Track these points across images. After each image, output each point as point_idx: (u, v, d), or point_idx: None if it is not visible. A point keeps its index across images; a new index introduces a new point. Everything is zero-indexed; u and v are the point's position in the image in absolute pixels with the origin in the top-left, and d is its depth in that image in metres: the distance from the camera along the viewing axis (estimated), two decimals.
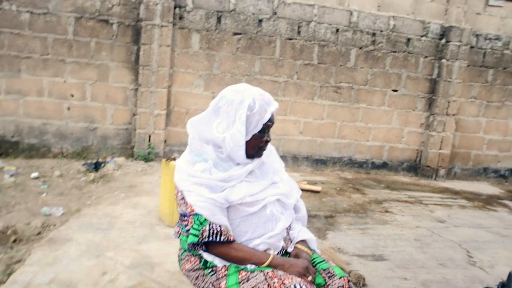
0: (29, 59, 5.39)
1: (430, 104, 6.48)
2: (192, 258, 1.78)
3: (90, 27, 5.44)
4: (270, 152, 1.91)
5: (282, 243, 1.78)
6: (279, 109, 6.05)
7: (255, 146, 1.69)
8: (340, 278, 1.72)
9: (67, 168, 5.19)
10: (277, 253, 1.74)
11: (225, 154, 1.69)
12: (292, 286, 1.54)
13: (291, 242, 1.83)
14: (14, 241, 3.08)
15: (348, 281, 1.74)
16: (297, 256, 1.74)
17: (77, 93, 5.60)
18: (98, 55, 5.55)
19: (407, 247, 3.61)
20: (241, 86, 1.75)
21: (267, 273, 1.62)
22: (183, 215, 1.69)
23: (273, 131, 5.82)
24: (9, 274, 2.57)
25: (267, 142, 1.73)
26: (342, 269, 2.96)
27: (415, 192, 5.72)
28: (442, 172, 6.59)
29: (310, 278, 1.62)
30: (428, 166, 6.53)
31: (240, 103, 1.65)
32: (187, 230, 1.65)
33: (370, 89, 6.27)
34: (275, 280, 1.58)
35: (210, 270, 1.72)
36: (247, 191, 1.69)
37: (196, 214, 1.63)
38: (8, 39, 5.30)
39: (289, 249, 1.79)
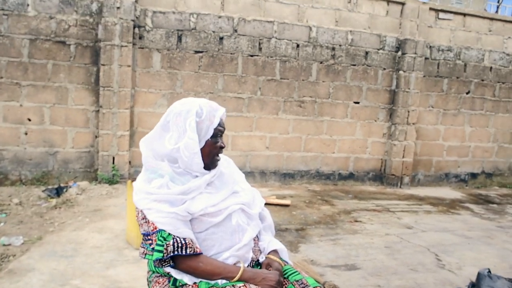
0: None
1: (391, 114, 6.68)
2: (161, 279, 1.71)
3: (46, 49, 5.28)
4: (228, 163, 1.89)
5: (251, 254, 1.73)
6: (245, 125, 6.11)
7: (209, 154, 1.66)
8: None
9: (26, 195, 4.95)
10: (247, 265, 1.70)
11: (182, 167, 1.65)
12: None
13: (261, 252, 1.80)
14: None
15: None
16: (268, 266, 1.70)
17: (35, 117, 5.39)
18: (56, 77, 5.38)
19: (378, 255, 3.64)
20: (187, 99, 1.73)
21: (236, 286, 1.58)
22: (146, 235, 1.62)
23: (239, 148, 5.87)
24: None
25: (221, 148, 1.69)
26: (316, 280, 2.97)
27: (382, 200, 5.82)
28: (406, 179, 6.76)
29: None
30: (393, 175, 6.69)
31: (188, 112, 1.63)
32: (152, 249, 1.59)
33: (333, 102, 6.40)
34: None
35: None
36: (208, 202, 1.65)
37: (159, 231, 1.57)
38: None
39: (260, 259, 1.76)
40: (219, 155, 1.72)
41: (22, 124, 5.38)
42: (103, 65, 5.38)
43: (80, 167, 5.67)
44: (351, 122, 6.50)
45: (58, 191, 5.00)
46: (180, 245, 1.56)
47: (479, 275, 2.13)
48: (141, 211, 1.62)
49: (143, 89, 5.70)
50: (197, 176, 1.68)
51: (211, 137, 1.64)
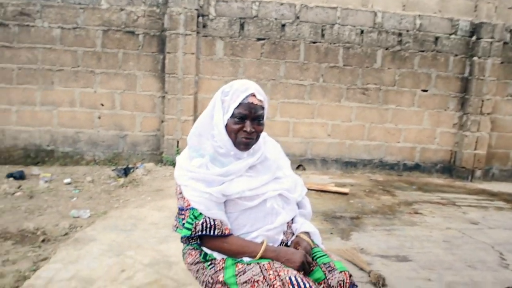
0: (61, 71, 5.65)
1: (463, 103, 6.25)
2: (193, 252, 1.79)
3: (117, 39, 5.65)
4: (275, 147, 1.90)
5: (281, 237, 1.75)
6: (306, 112, 6.07)
7: (231, 133, 1.65)
8: (341, 272, 1.67)
9: (98, 174, 5.38)
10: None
11: (221, 145, 1.69)
12: (287, 278, 1.51)
13: (293, 235, 1.80)
14: (43, 241, 3.21)
15: (350, 276, 1.69)
16: (297, 244, 1.71)
17: (107, 102, 5.81)
18: (126, 65, 5.74)
19: (434, 249, 3.46)
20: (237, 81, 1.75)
21: (263, 265, 1.60)
22: (180, 209, 1.69)
23: (300, 134, 5.87)
24: (34, 271, 2.68)
25: (247, 132, 1.65)
26: (362, 269, 2.91)
27: (448, 193, 5.50)
28: (478, 173, 6.31)
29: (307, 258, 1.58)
30: (463, 167, 6.28)
31: (221, 91, 1.68)
32: (183, 224, 1.66)
33: (399, 89, 6.13)
34: (271, 272, 1.56)
35: (209, 263, 1.72)
36: (247, 185, 1.68)
37: (192, 208, 1.63)
38: (41, 54, 5.59)
39: (289, 243, 1.77)
40: (254, 138, 1.68)
41: (96, 109, 5.82)
42: (168, 53, 5.63)
43: (147, 149, 6.02)
44: (418, 110, 6.18)
45: (126, 171, 5.36)
46: (209, 226, 1.62)
47: None
48: (179, 186, 1.70)
49: (206, 76, 5.88)
50: (239, 159, 1.71)
51: (232, 117, 1.64)
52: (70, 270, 2.69)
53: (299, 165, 6.18)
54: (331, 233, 3.69)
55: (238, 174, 1.69)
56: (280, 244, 1.74)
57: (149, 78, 5.82)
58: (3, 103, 5.65)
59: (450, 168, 6.44)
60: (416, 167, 6.37)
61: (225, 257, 1.68)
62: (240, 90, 1.65)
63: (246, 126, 1.65)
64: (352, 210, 4.45)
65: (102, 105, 5.82)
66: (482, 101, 6.10)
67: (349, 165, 6.27)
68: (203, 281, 1.73)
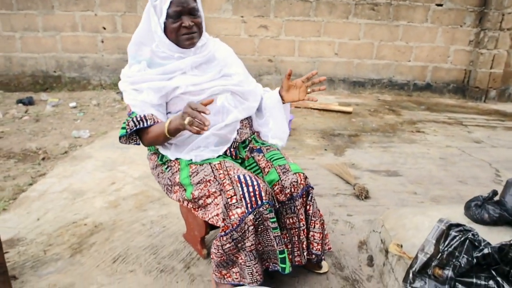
0: None
1: (481, 18, 5.84)
2: (153, 157, 1.84)
3: None
4: (226, 50, 1.86)
5: (234, 135, 1.76)
6: (312, 30, 5.83)
7: (172, 33, 1.62)
8: (295, 173, 1.69)
9: (104, 98, 5.46)
10: (230, 146, 1.75)
11: (164, 51, 1.66)
12: (236, 176, 1.55)
13: (249, 135, 1.83)
14: (43, 159, 3.35)
15: (305, 178, 1.72)
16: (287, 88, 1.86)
17: (108, 25, 5.71)
18: None
19: (427, 165, 3.45)
20: None
21: (214, 165, 1.64)
22: (128, 114, 1.71)
23: (306, 54, 5.70)
24: (31, 185, 2.84)
25: (186, 27, 1.61)
26: (348, 182, 2.95)
27: (457, 114, 5.35)
28: (493, 93, 6.07)
29: (186, 121, 1.37)
30: (477, 87, 6.03)
31: None
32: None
33: (411, 4, 5.75)
34: (221, 171, 1.60)
35: (166, 166, 1.77)
36: (191, 81, 1.66)
37: (132, 112, 1.65)
38: None
39: (247, 142, 1.81)
40: (197, 31, 1.65)
41: (98, 32, 5.74)
42: None
43: None
44: (431, 27, 5.83)
45: None
46: (139, 119, 1.61)
47: (507, 183, 1.93)
48: (122, 92, 1.71)
49: None
50: (183, 59, 1.68)
51: (167, 18, 1.59)
52: (64, 183, 2.83)
53: None
54: (325, 149, 3.71)
55: (180, 72, 1.67)
56: (233, 143, 1.76)
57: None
58: (6, 30, 5.63)
59: (463, 88, 6.20)
60: (427, 87, 6.16)
61: (178, 158, 1.72)
62: None
63: (184, 21, 1.62)
64: (352, 128, 4.42)
65: (104, 28, 5.73)
66: (503, 15, 5.68)
67: (356, 85, 6.12)
68: (164, 185, 1.79)
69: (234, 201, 1.51)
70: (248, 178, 1.53)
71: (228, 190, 1.53)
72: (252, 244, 1.52)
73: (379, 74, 6.07)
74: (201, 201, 1.63)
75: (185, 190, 1.68)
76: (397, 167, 3.37)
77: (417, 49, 5.94)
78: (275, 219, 1.53)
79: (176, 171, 1.71)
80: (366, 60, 5.99)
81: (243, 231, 1.51)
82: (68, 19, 5.65)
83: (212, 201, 1.60)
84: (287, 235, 1.73)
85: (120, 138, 1.67)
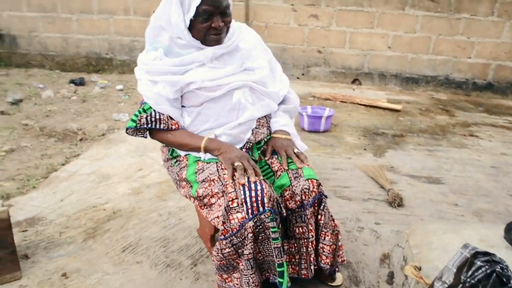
0: None
1: None
2: (165, 149, 1.78)
3: None
4: (252, 38, 1.73)
5: (248, 136, 1.64)
6: (365, 21, 5.54)
7: (199, 32, 1.52)
8: (307, 179, 1.56)
9: None
10: (241, 146, 1.63)
11: (182, 39, 1.57)
12: (240, 180, 1.44)
13: (266, 135, 1.70)
14: (81, 139, 3.44)
15: (319, 185, 1.58)
16: (271, 147, 1.67)
17: None
18: None
19: (476, 174, 3.15)
20: None
21: (220, 164, 1.54)
22: (141, 104, 1.65)
23: (358, 46, 5.46)
24: (63, 165, 2.91)
25: (216, 28, 1.51)
26: (382, 186, 2.76)
27: None
28: None
29: (236, 163, 1.47)
30: None
31: None
32: None
33: None
34: (226, 172, 1.50)
35: (175, 160, 1.70)
36: (207, 75, 1.56)
37: (145, 103, 1.59)
38: None
39: (262, 143, 1.70)
40: (221, 34, 1.55)
41: (149, 17, 5.78)
42: None
43: None
44: (497, 21, 5.32)
45: None
46: (153, 119, 1.57)
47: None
48: (138, 80, 1.65)
49: None
50: (201, 49, 1.59)
51: (196, 16, 1.48)
52: (94, 166, 2.88)
53: (354, 79, 5.82)
54: (365, 149, 3.51)
55: (198, 63, 1.57)
56: (247, 144, 1.65)
57: None
58: (64, 12, 5.86)
59: None
60: (488, 87, 5.67)
61: (187, 154, 1.65)
62: None
63: (215, 22, 1.51)
64: (398, 128, 4.15)
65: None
66: None
67: (409, 81, 5.76)
68: (173, 179, 1.74)
69: (235, 204, 1.41)
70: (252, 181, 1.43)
71: (230, 193, 1.43)
72: (250, 253, 1.42)
73: (435, 71, 5.66)
74: (205, 200, 1.55)
75: (191, 186, 1.60)
76: (441, 173, 3.10)
77: (480, 45, 5.45)
78: (276, 229, 1.41)
79: (184, 167, 1.64)
80: (422, 55, 5.60)
81: (242, 237, 1.41)
82: (121, 2, 5.76)
83: (215, 202, 1.51)
84: (295, 245, 1.61)
85: (127, 129, 1.62)
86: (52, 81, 5.45)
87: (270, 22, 5.67)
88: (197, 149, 1.57)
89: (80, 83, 5.34)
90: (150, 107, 1.57)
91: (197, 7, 1.46)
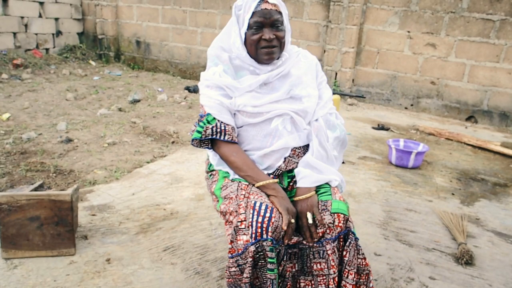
0: None
1: None
2: (207, 161, 1.86)
3: None
4: (307, 63, 1.71)
5: (279, 163, 1.62)
6: (489, 54, 5.02)
7: (251, 47, 1.57)
8: (333, 213, 1.49)
9: None
10: (271, 173, 1.62)
11: (237, 58, 1.64)
12: (252, 202, 1.45)
13: (297, 166, 1.66)
14: (172, 142, 3.77)
15: (346, 221, 1.49)
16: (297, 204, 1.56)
17: None
18: None
19: None
20: None
21: (241, 184, 1.56)
22: (200, 116, 1.72)
23: (477, 81, 5.07)
24: (148, 163, 3.23)
25: (266, 40, 1.53)
26: (455, 238, 2.47)
27: None
28: None
29: (293, 220, 1.45)
30: None
31: (234, 6, 1.60)
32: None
33: None
34: (244, 192, 1.52)
35: (210, 173, 1.77)
36: (251, 101, 1.59)
37: (208, 114, 1.62)
38: None
39: (294, 173, 1.65)
40: (278, 46, 1.58)
41: None
42: None
43: None
44: None
45: None
46: (219, 130, 1.60)
47: None
48: (200, 94, 1.76)
49: (375, 5, 5.40)
50: (257, 75, 1.63)
51: (249, 29, 1.55)
52: (172, 168, 3.13)
53: (470, 117, 5.28)
54: (453, 194, 3.17)
55: (248, 88, 1.60)
56: (276, 171, 1.64)
57: (316, 6, 5.70)
58: (191, 25, 6.47)
59: None
60: None
61: (221, 168, 1.70)
62: (251, 0, 1.56)
63: (265, 33, 1.55)
64: (504, 177, 3.65)
65: None
66: None
67: None
68: (209, 191, 1.81)
69: (243, 226, 1.43)
70: (263, 207, 1.42)
71: (241, 214, 1.46)
72: (247, 277, 1.41)
73: None
74: (227, 216, 1.59)
75: (218, 201, 1.66)
76: None
77: None
78: (274, 260, 1.38)
79: (214, 181, 1.71)
80: None
81: (246, 260, 1.42)
82: None
83: (232, 219, 1.55)
84: (312, 282, 1.55)
85: (192, 140, 1.67)
86: (170, 86, 6.04)
87: (382, 48, 5.48)
88: (252, 181, 1.56)
89: (194, 90, 5.81)
90: (214, 119, 1.61)
91: (249, 20, 1.54)
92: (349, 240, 1.51)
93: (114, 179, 2.90)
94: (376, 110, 5.58)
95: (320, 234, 1.50)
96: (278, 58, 1.65)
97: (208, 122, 1.62)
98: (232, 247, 1.46)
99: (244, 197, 1.51)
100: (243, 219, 1.44)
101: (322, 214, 1.50)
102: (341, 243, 1.52)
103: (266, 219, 1.39)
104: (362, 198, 2.92)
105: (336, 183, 1.65)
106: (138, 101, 5.02)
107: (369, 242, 2.35)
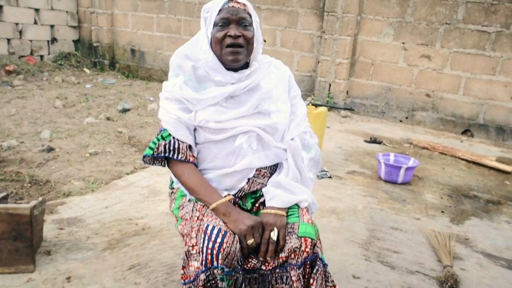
0: None
1: None
2: (170, 178, 1.76)
3: None
4: (279, 75, 1.60)
5: (242, 184, 1.51)
6: (485, 66, 4.93)
7: (216, 45, 1.45)
8: (300, 237, 1.38)
9: None
10: (235, 193, 1.51)
11: (202, 68, 1.53)
12: (205, 225, 1.35)
13: (261, 188, 1.55)
14: None
15: (313, 246, 1.38)
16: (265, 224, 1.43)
17: (269, 39, 5.94)
18: (289, 1, 5.68)
19: None
20: None
21: (196, 204, 1.46)
22: (160, 130, 1.62)
23: (473, 93, 4.98)
24: (127, 174, 3.13)
25: (231, 36, 1.42)
26: (440, 260, 2.35)
27: None
28: None
29: (250, 241, 1.35)
30: None
31: (203, 9, 1.50)
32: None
33: None
34: (198, 214, 1.42)
35: (171, 191, 1.68)
36: (215, 116, 1.48)
37: (164, 129, 1.53)
38: None
39: (258, 195, 1.55)
40: (244, 46, 1.45)
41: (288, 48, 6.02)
42: None
43: (302, 90, 5.96)
44: None
45: None
46: (172, 148, 1.49)
47: None
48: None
49: (369, 16, 5.33)
50: (223, 86, 1.50)
51: (215, 26, 1.44)
52: (151, 180, 3.04)
53: (466, 130, 5.17)
54: (442, 211, 3.06)
55: (212, 102, 1.49)
56: (238, 192, 1.53)
57: (310, 16, 5.64)
58: (186, 34, 6.42)
59: None
60: None
61: (179, 186, 1.60)
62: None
63: (230, 30, 1.43)
64: (498, 193, 3.53)
65: (265, 41, 5.98)
66: None
67: None
68: (170, 209, 1.71)
69: (194, 251, 1.33)
70: (215, 231, 1.31)
71: (192, 238, 1.36)
72: None
73: None
74: (184, 238, 1.49)
75: (177, 221, 1.56)
76: None
77: None
78: None
79: (173, 199, 1.61)
80: None
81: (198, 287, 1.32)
82: None
83: (188, 241, 1.44)
84: None
85: (144, 157, 1.57)
86: None
87: (377, 60, 5.40)
88: (205, 203, 1.46)
89: None
90: (169, 135, 1.51)
91: (215, 18, 1.44)
92: (317, 267, 1.41)
93: (90, 190, 2.81)
94: (370, 122, 5.48)
95: (284, 259, 1.39)
96: (247, 65, 1.54)
97: (163, 138, 1.51)
98: (184, 273, 1.36)
99: (198, 219, 1.41)
100: (194, 244, 1.34)
101: (288, 238, 1.40)
102: (308, 270, 1.41)
103: (216, 245, 1.28)
104: (346, 215, 2.81)
105: (306, 203, 1.54)
106: (128, 110, 4.95)
107: (348, 264, 2.24)
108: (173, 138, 1.50)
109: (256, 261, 1.40)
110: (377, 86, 5.49)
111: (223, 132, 1.49)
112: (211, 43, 1.48)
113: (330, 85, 5.63)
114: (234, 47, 1.44)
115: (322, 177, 3.45)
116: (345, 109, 4.74)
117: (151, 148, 1.53)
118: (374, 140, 4.63)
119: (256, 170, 1.53)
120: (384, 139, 4.75)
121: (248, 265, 1.40)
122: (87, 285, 1.86)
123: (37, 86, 5.77)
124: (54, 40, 6.95)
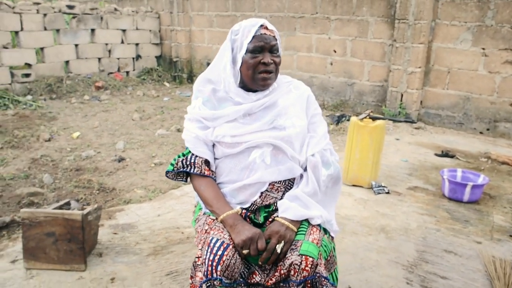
0: (302, 18, 6.05)
1: None
2: None
3: None
4: (297, 93, 1.64)
5: (255, 198, 1.54)
6: None
7: (248, 71, 1.52)
8: (301, 255, 1.38)
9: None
10: (247, 207, 1.55)
11: (223, 89, 1.62)
12: (209, 238, 1.41)
13: (275, 203, 1.57)
14: None
15: (315, 266, 1.36)
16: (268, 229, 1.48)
17: (339, 49, 5.87)
18: (359, 10, 5.57)
19: None
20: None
21: (208, 218, 1.54)
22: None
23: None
24: (185, 184, 3.31)
25: (265, 64, 1.50)
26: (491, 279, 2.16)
27: None
28: None
29: (245, 252, 1.38)
30: None
31: (230, 32, 1.58)
32: None
33: None
34: (207, 227, 1.49)
35: (195, 204, 1.76)
36: (230, 131, 1.55)
37: (187, 148, 1.64)
38: (288, 2, 6.10)
39: (272, 209, 1.57)
40: (270, 74, 1.54)
41: (329, 55, 5.99)
42: None
43: (373, 100, 5.82)
44: None
45: (339, 119, 5.43)
46: (188, 163, 1.60)
47: None
48: None
49: (445, 21, 5.02)
50: (241, 104, 1.58)
51: (248, 52, 1.52)
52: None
53: None
54: (511, 235, 2.77)
55: (228, 118, 1.57)
56: (251, 206, 1.57)
57: (380, 25, 5.47)
58: None
59: None
60: None
61: (199, 200, 1.68)
62: (250, 24, 1.55)
63: (265, 57, 1.52)
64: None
65: (335, 51, 5.93)
66: None
67: None
68: None
69: (199, 263, 1.41)
70: (218, 244, 1.37)
71: (199, 250, 1.43)
72: None
73: None
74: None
75: (196, 232, 1.65)
76: None
77: None
78: None
79: (193, 212, 1.71)
80: None
81: None
82: (306, 40, 6.12)
83: (197, 252, 1.52)
84: None
85: (167, 173, 1.69)
86: None
87: (453, 67, 5.06)
88: (216, 216, 1.53)
89: None
90: (189, 151, 1.62)
91: (248, 44, 1.52)
92: (320, 287, 1.39)
93: (148, 199, 3.03)
94: (446, 134, 5.12)
95: (285, 274, 1.40)
96: None
97: (183, 155, 1.64)
98: (192, 282, 1.44)
99: (206, 232, 1.48)
100: (199, 255, 1.42)
101: (290, 254, 1.41)
102: None
103: (216, 257, 1.35)
104: (395, 234, 2.68)
105: (318, 221, 1.53)
106: None
107: (386, 286, 2.14)
108: (191, 154, 1.61)
109: (260, 278, 1.43)
110: (454, 96, 5.14)
111: (238, 146, 1.56)
112: (241, 66, 1.55)
113: (402, 95, 5.39)
114: (266, 73, 1.53)
115: (379, 193, 3.33)
116: (406, 121, 4.51)
117: (172, 164, 1.66)
118: (446, 154, 4.33)
119: (269, 184, 1.56)
120: (458, 153, 4.42)
121: (252, 281, 1.43)
122: (127, 286, 2.02)
123: (121, 100, 6.34)
124: (138, 57, 7.58)
